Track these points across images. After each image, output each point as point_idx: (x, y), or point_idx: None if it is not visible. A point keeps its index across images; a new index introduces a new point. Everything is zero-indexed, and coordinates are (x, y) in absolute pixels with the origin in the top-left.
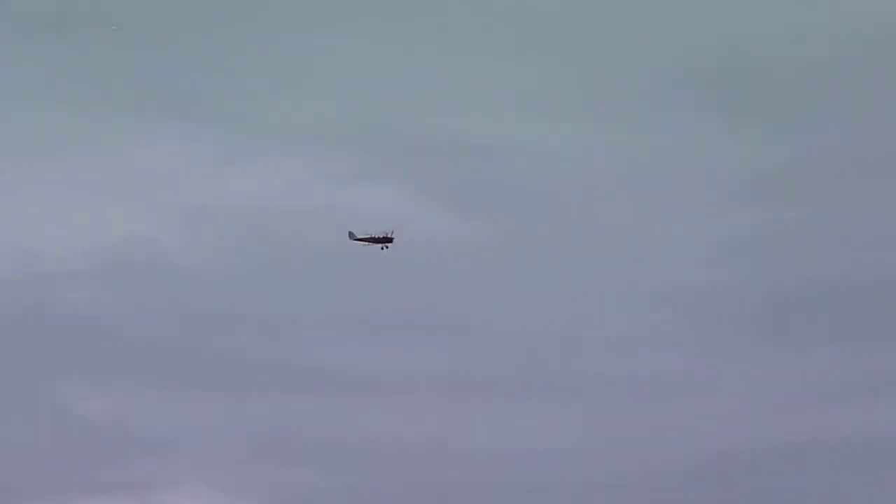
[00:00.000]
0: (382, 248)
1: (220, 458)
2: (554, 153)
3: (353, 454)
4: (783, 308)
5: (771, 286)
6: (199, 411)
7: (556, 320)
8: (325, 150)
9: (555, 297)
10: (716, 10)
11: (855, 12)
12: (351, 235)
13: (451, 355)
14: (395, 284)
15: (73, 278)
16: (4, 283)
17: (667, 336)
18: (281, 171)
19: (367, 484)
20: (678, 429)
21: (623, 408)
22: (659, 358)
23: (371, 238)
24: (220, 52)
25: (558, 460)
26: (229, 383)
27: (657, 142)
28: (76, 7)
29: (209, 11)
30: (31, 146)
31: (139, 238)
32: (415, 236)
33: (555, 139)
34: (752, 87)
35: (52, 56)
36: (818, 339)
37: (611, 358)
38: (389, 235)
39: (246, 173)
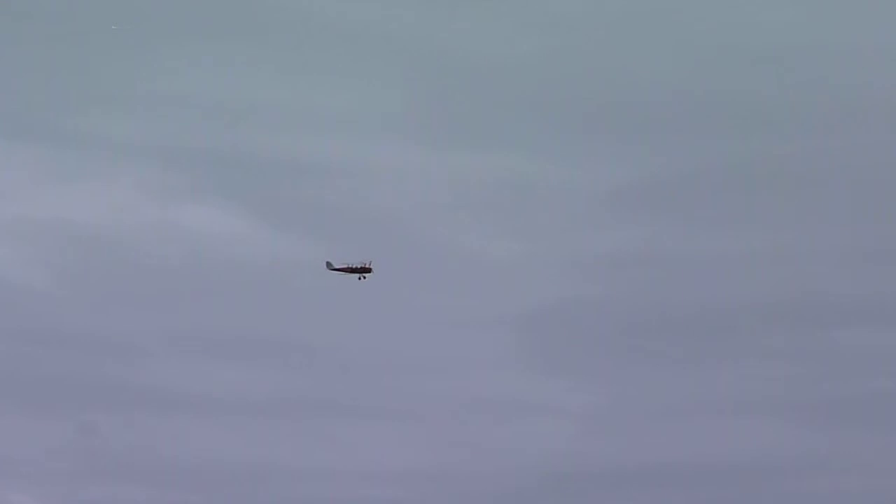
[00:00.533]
0: (360, 279)
1: (51, 475)
2: (393, 173)
3: (186, 472)
4: (631, 327)
5: (620, 306)
6: (28, 429)
7: (392, 341)
8: (156, 168)
9: (391, 317)
10: (565, 30)
11: (708, 31)
12: (328, 265)
13: (286, 375)
14: (228, 304)
15: None
16: None
17: (507, 357)
18: (111, 188)
19: (200, 502)
20: (516, 449)
21: (461, 428)
22: (498, 378)
23: (349, 268)
24: (50, 70)
25: (394, 481)
26: (60, 401)
27: (501, 162)
28: None
29: (39, 29)
30: None
31: None
32: (247, 256)
33: (394, 159)
34: (604, 105)
35: None
36: (666, 358)
37: (448, 379)
38: (367, 266)
39: (75, 190)
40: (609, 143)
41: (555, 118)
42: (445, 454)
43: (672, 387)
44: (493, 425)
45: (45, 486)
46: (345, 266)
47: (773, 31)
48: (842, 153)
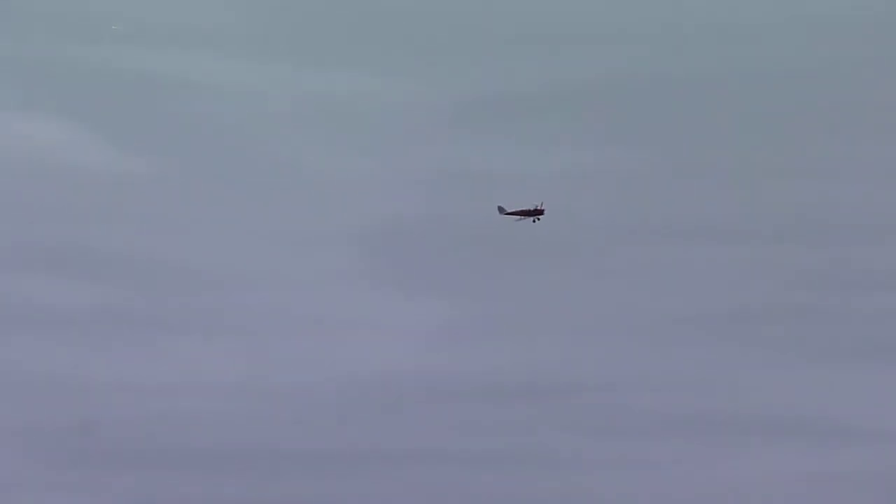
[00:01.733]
0: (534, 221)
1: None
2: (234, 88)
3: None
4: (475, 242)
5: (464, 221)
6: None
7: (231, 256)
8: None
9: (230, 233)
10: None
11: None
12: (501, 210)
13: (116, 288)
14: (55, 217)
15: None
16: None
17: (348, 273)
18: None
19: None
20: (353, 365)
21: (295, 344)
22: (338, 295)
23: (523, 211)
24: None
25: (224, 395)
26: None
27: (345, 78)
28: None
29: None
30: None
31: None
32: (78, 167)
33: (235, 74)
34: (452, 22)
35: None
36: (511, 277)
37: (285, 295)
38: (540, 208)
39: None
40: (455, 59)
41: (400, 34)
42: (279, 370)
43: (516, 303)
44: (331, 342)
45: None
46: (518, 210)
47: None
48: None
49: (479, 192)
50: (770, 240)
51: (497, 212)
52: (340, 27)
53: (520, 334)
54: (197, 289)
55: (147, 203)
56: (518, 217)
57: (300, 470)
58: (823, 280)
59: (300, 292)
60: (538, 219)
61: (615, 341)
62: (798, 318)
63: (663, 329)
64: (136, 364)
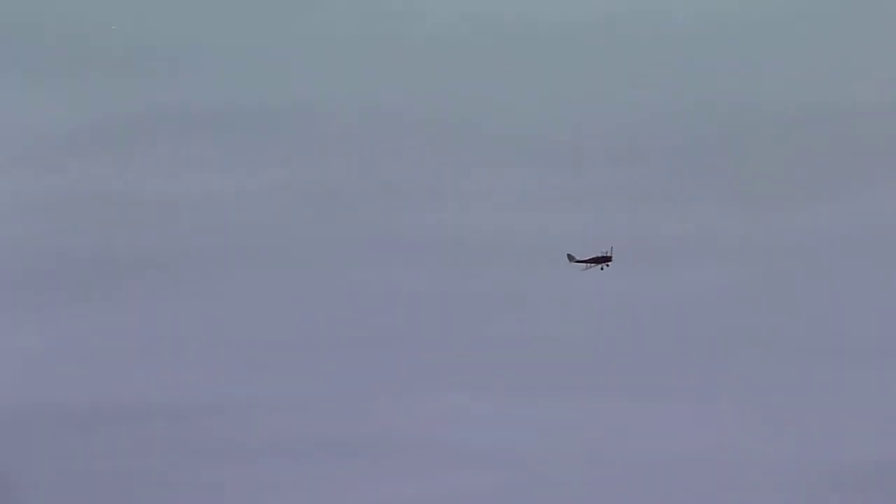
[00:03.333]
0: (602, 269)
1: None
2: None
3: None
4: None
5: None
6: None
7: None
8: None
9: None
10: None
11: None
12: (570, 258)
13: None
14: None
15: None
16: None
17: None
18: None
19: None
20: None
21: None
22: None
23: (592, 259)
24: None
25: None
26: None
27: None
28: None
29: None
30: None
31: None
32: None
33: None
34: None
35: None
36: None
37: None
38: (608, 254)
39: None
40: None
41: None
42: None
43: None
44: None
45: None
46: (588, 258)
47: None
48: None
49: (93, 215)
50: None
51: (567, 260)
52: None
53: (113, 357)
54: None
55: None
56: (587, 265)
57: None
58: None
59: None
60: (607, 265)
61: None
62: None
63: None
64: None
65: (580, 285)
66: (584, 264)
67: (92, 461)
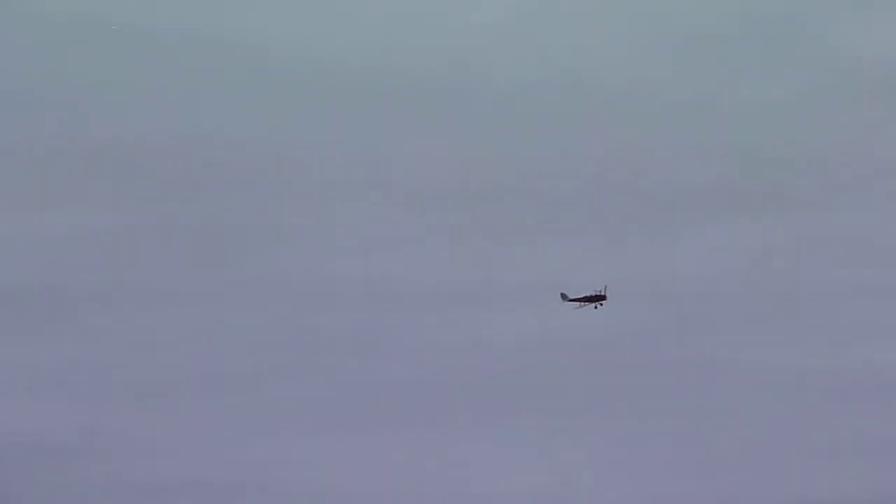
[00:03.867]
0: (596, 307)
1: None
2: None
3: None
4: None
5: None
6: None
7: None
8: None
9: None
10: None
11: None
12: (563, 297)
13: None
14: None
15: None
16: None
17: None
18: None
19: None
20: None
21: None
22: None
23: (585, 298)
24: None
25: None
26: None
27: None
28: None
29: None
30: None
31: None
32: None
33: None
34: None
35: None
36: None
37: None
38: (602, 293)
39: None
40: None
41: None
42: None
43: None
44: None
45: None
46: (581, 297)
47: None
48: None
49: None
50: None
51: (560, 299)
52: None
53: None
54: None
55: None
56: (579, 304)
57: None
58: None
59: None
60: (601, 304)
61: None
62: None
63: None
64: None
65: (427, 327)
66: (577, 303)
67: None
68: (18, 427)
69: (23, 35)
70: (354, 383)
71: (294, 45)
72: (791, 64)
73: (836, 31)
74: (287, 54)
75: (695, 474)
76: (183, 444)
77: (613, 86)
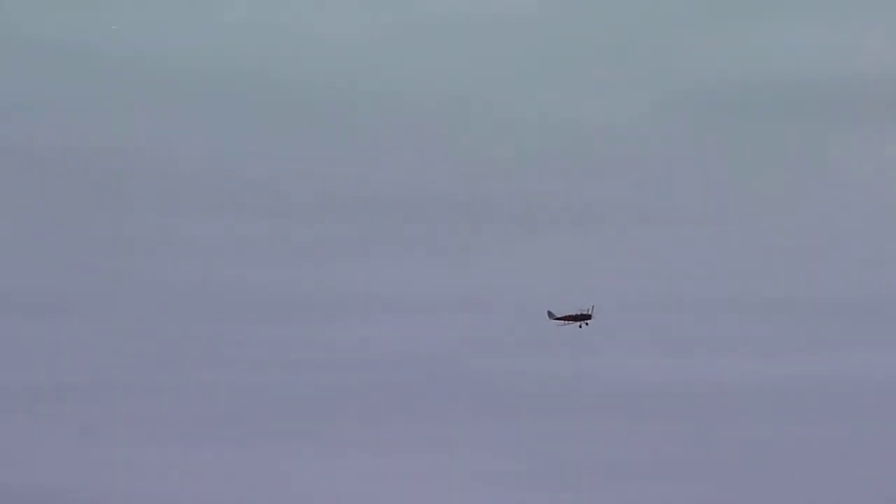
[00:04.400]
0: (580, 326)
1: None
2: None
3: None
4: None
5: None
6: None
7: None
8: None
9: None
10: None
11: None
12: (550, 315)
13: None
14: None
15: None
16: None
17: None
18: None
19: None
20: None
21: None
22: None
23: (570, 316)
24: None
25: None
26: None
27: None
28: None
29: None
30: None
31: None
32: None
33: None
34: None
35: None
36: None
37: None
38: (588, 312)
39: None
40: None
41: None
42: None
43: None
44: None
45: None
46: (566, 315)
47: None
48: None
49: None
50: None
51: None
52: None
53: None
54: None
55: None
56: (564, 322)
57: None
58: None
59: None
60: (586, 324)
61: None
62: None
63: None
64: None
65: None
66: (562, 321)
67: None
68: None
69: None
70: (207, 391)
71: (174, 54)
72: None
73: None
74: (168, 64)
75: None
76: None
77: (466, 99)
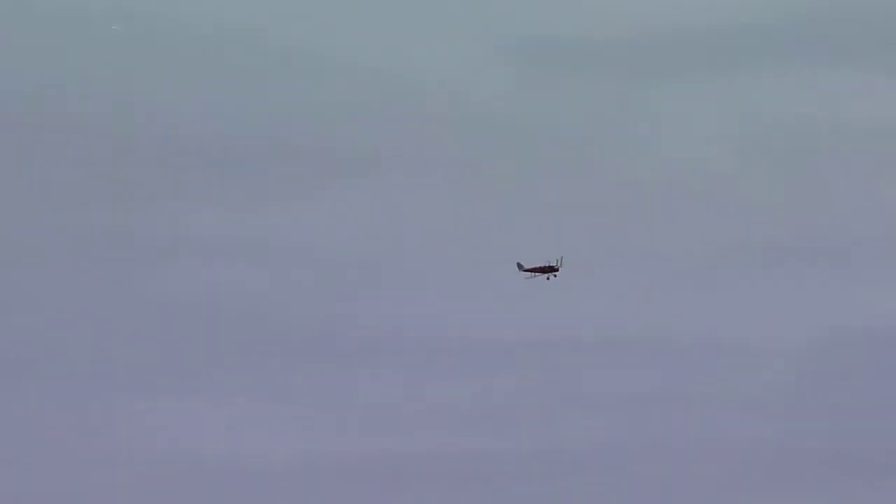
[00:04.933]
0: (548, 278)
1: None
2: None
3: None
4: None
5: None
6: None
7: None
8: None
9: None
10: None
11: None
12: (519, 266)
13: None
14: None
15: None
16: None
17: None
18: None
19: None
20: None
21: None
22: None
23: (538, 268)
24: None
25: None
26: None
27: None
28: None
29: None
30: None
31: None
32: None
33: None
34: None
35: None
36: None
37: None
38: (555, 265)
39: None
40: None
41: None
42: None
43: None
44: None
45: None
46: (534, 266)
47: None
48: None
49: None
50: None
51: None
52: None
53: None
54: None
55: None
56: (532, 274)
57: None
58: None
59: None
60: (554, 276)
61: None
62: None
63: None
64: None
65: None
66: (530, 273)
67: None
68: None
69: None
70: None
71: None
72: None
73: None
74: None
75: None
76: None
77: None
